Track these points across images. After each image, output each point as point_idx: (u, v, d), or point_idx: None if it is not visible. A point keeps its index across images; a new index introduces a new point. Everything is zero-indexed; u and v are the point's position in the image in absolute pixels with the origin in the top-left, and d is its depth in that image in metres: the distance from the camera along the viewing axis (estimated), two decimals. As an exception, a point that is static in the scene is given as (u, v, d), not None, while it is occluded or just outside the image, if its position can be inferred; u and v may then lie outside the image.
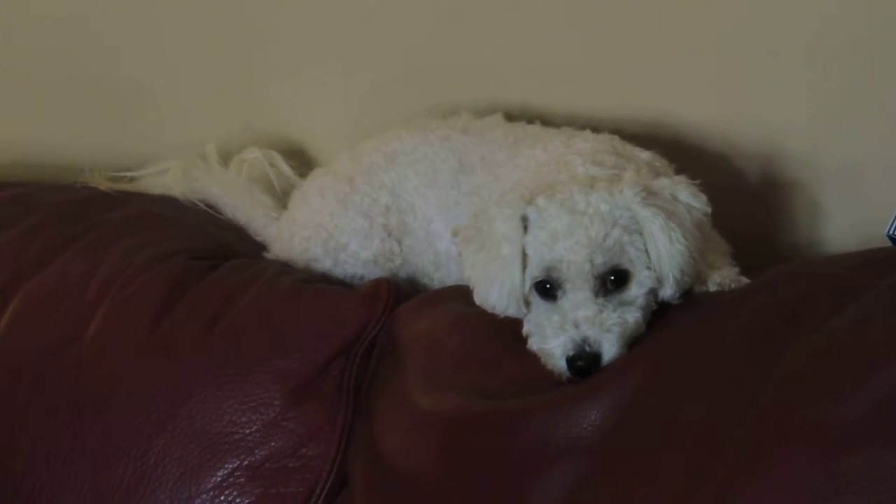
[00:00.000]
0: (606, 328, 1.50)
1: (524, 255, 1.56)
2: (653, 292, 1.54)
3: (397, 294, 1.76)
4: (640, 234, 1.53)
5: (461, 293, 1.65)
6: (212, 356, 1.74)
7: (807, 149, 1.87)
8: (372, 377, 1.73)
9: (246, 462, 1.70)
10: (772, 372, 1.35)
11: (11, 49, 2.43)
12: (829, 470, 1.25)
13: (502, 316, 1.59)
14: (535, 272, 1.55)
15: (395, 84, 2.14)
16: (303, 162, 2.19)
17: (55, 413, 1.78)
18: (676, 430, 1.39)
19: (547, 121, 1.90)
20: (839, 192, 1.87)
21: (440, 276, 1.85)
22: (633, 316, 1.52)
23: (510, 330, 1.58)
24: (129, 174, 2.20)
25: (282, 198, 2.10)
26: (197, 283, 1.83)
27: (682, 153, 1.80)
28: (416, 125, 1.93)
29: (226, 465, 1.70)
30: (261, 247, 2.02)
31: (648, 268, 1.53)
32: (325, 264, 1.89)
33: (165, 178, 2.15)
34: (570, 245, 1.52)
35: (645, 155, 1.70)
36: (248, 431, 1.70)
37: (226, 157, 2.17)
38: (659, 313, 1.55)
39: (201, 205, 2.10)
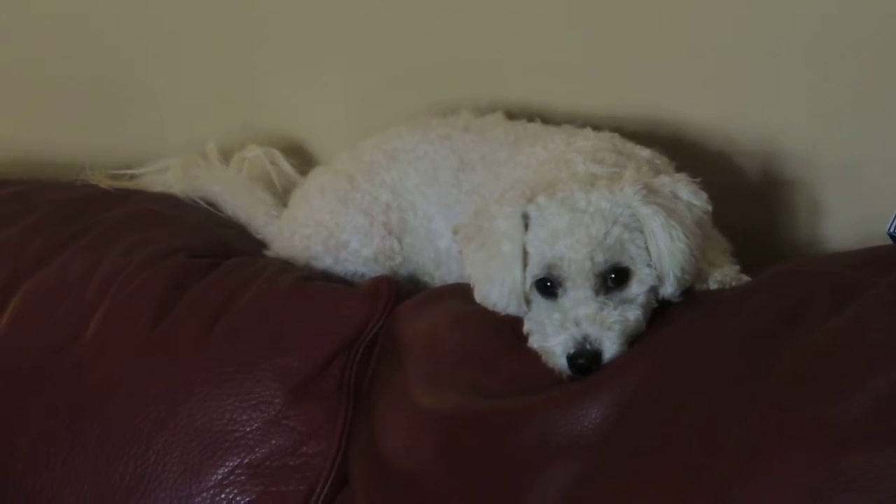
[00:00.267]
0: (607, 326, 1.50)
1: (525, 254, 1.55)
2: (653, 290, 1.54)
3: (398, 292, 1.76)
4: (641, 231, 1.53)
5: (462, 291, 1.65)
6: (212, 354, 1.74)
7: (807, 147, 1.87)
8: (372, 375, 1.72)
9: (246, 460, 1.69)
10: (772, 370, 1.35)
11: (11, 49, 2.43)
12: (829, 469, 1.25)
13: (503, 314, 1.59)
14: (535, 270, 1.55)
15: (395, 83, 2.14)
16: (303, 160, 2.18)
17: (55, 412, 1.77)
18: (677, 429, 1.39)
19: (547, 119, 1.90)
20: (839, 190, 1.86)
21: (441, 274, 1.85)
22: (633, 314, 1.52)
23: (511, 328, 1.58)
24: (129, 172, 2.20)
25: (282, 196, 2.09)
26: (197, 282, 1.83)
27: (682, 151, 1.80)
28: (417, 123, 1.93)
29: (226, 464, 1.70)
30: (261, 245, 2.01)
31: (649, 266, 1.53)
32: (326, 262, 1.89)
33: (166, 176, 2.15)
34: (570, 243, 1.52)
35: (645, 153, 1.69)
36: (248, 430, 1.70)
37: (226, 155, 2.16)
38: (659, 311, 1.55)
39: (202, 203, 2.10)
